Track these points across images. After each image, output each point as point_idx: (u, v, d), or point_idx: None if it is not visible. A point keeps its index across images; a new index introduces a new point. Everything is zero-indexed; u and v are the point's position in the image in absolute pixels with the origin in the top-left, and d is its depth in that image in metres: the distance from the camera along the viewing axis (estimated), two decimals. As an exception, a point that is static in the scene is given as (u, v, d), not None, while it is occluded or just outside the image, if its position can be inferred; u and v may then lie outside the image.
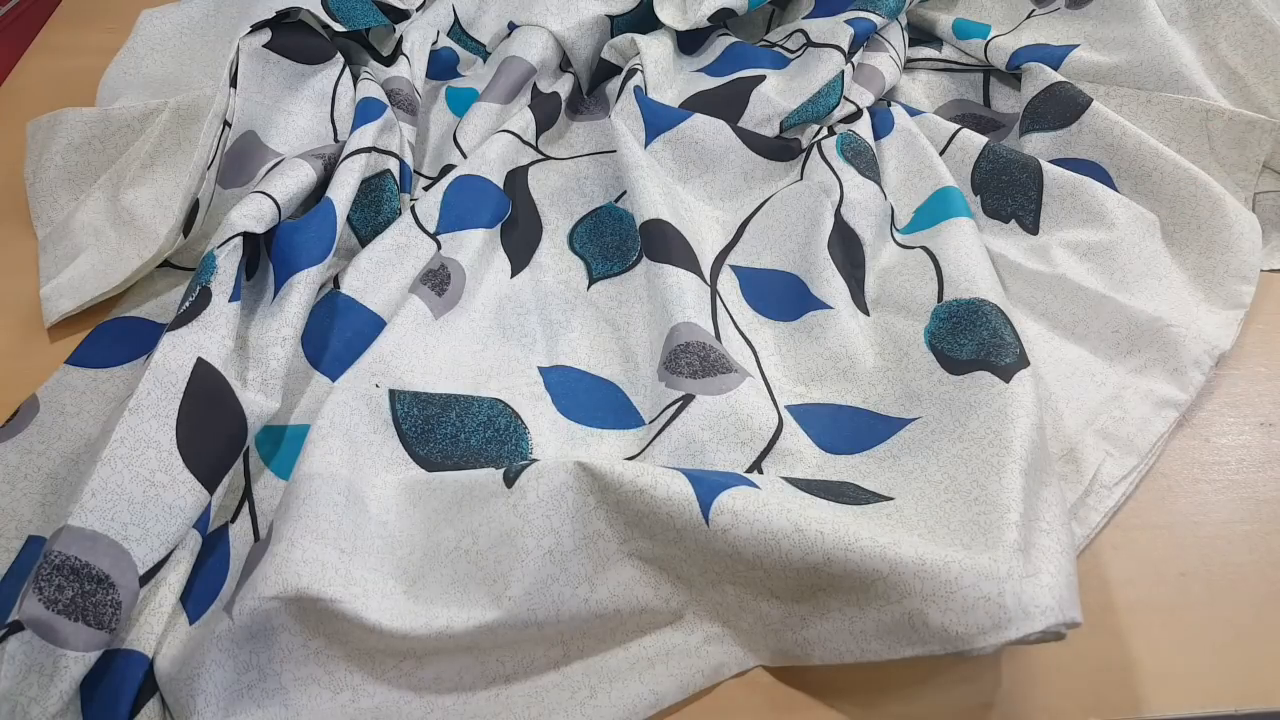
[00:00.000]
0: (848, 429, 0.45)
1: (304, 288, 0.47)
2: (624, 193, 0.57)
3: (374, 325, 0.49)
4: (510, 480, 0.39)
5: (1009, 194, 0.55)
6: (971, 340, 0.45)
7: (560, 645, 0.38)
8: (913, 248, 0.52)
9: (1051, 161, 0.56)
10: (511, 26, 0.67)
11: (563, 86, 0.64)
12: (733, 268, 0.53)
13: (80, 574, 0.35)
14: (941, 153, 0.58)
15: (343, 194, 0.51)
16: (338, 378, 0.45)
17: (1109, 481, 0.44)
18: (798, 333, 0.50)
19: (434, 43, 0.68)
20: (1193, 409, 0.47)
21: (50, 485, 0.44)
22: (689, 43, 0.66)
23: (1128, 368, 0.48)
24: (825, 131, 0.58)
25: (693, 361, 0.45)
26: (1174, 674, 0.38)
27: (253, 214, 0.48)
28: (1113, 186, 0.55)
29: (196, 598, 0.40)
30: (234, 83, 0.53)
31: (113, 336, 0.51)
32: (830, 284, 0.50)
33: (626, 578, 0.38)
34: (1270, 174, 0.56)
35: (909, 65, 0.67)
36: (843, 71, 0.59)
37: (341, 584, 0.36)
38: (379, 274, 0.51)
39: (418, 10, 0.69)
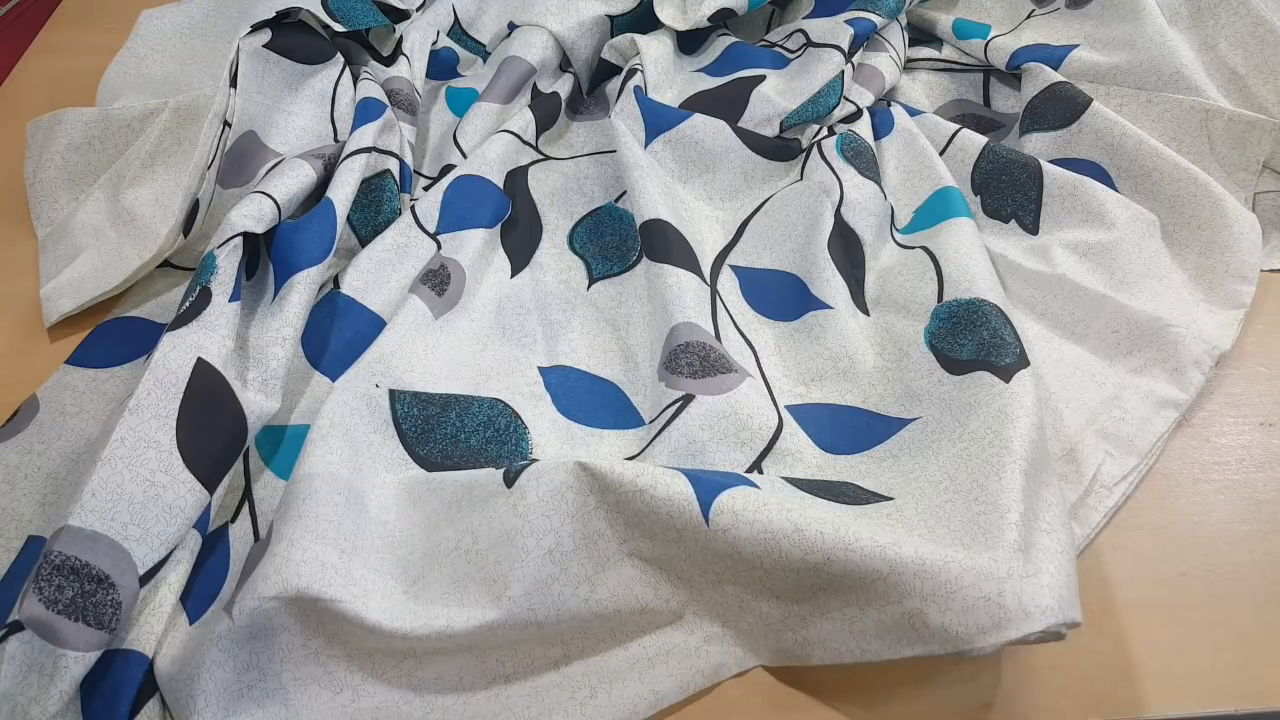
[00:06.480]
0: (848, 429, 0.45)
1: (304, 288, 0.47)
2: (624, 193, 0.57)
3: (374, 325, 0.49)
4: (510, 480, 0.39)
5: (1009, 194, 0.55)
6: (971, 340, 0.45)
7: (560, 645, 0.38)
8: (913, 248, 0.52)
9: (1051, 161, 0.56)
10: (511, 26, 0.67)
11: (563, 86, 0.64)
12: (733, 268, 0.53)
13: (80, 574, 0.35)
14: (941, 153, 0.58)
15: (343, 194, 0.51)
16: (338, 378, 0.45)
17: (1109, 481, 0.44)
18: (798, 333, 0.50)
19: (434, 43, 0.68)
20: (1193, 409, 0.47)
21: (50, 485, 0.44)
22: (689, 43, 0.66)
23: (1128, 368, 0.48)
24: (825, 131, 0.58)
25: (693, 361, 0.45)
26: (1174, 674, 0.38)
27: (253, 214, 0.48)
28: (1113, 186, 0.55)
29: (196, 598, 0.40)
30: (234, 83, 0.53)
31: (113, 336, 0.51)
32: (830, 284, 0.50)
33: (626, 578, 0.38)
34: (1270, 174, 0.56)
35: (909, 65, 0.67)
36: (843, 71, 0.59)
37: (341, 584, 0.36)
38: (379, 274, 0.51)
39: (418, 10, 0.69)
